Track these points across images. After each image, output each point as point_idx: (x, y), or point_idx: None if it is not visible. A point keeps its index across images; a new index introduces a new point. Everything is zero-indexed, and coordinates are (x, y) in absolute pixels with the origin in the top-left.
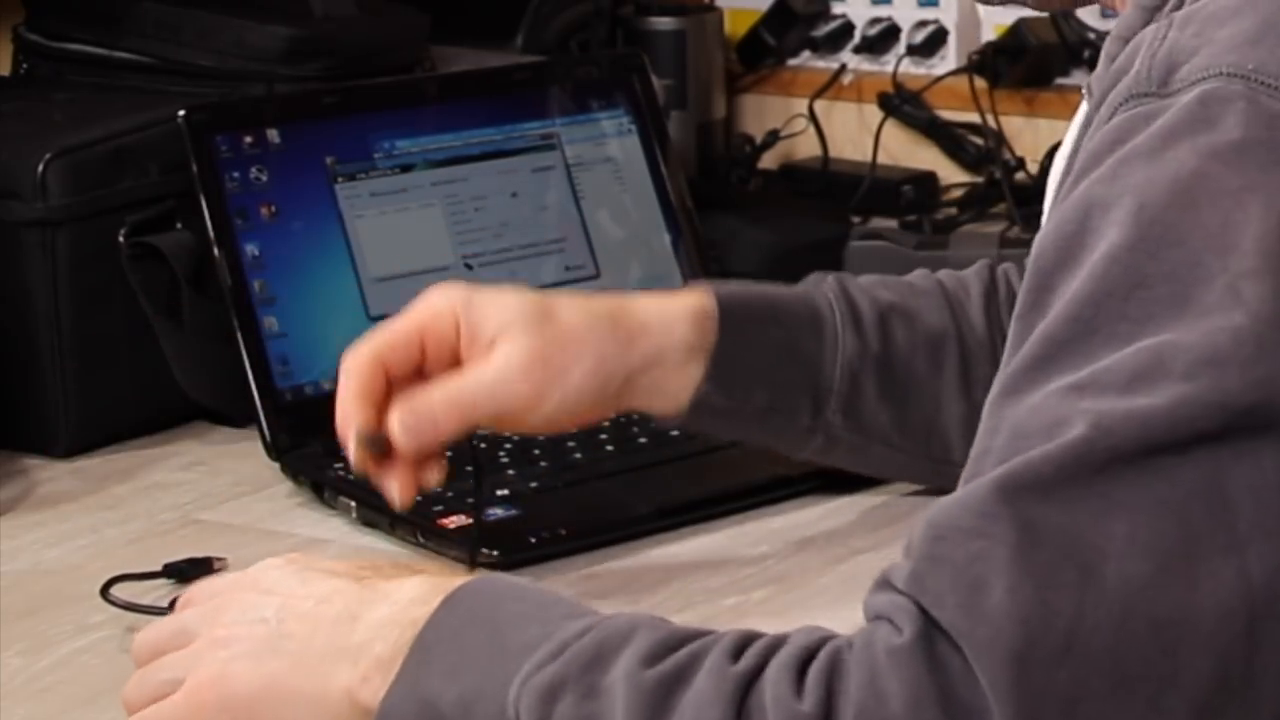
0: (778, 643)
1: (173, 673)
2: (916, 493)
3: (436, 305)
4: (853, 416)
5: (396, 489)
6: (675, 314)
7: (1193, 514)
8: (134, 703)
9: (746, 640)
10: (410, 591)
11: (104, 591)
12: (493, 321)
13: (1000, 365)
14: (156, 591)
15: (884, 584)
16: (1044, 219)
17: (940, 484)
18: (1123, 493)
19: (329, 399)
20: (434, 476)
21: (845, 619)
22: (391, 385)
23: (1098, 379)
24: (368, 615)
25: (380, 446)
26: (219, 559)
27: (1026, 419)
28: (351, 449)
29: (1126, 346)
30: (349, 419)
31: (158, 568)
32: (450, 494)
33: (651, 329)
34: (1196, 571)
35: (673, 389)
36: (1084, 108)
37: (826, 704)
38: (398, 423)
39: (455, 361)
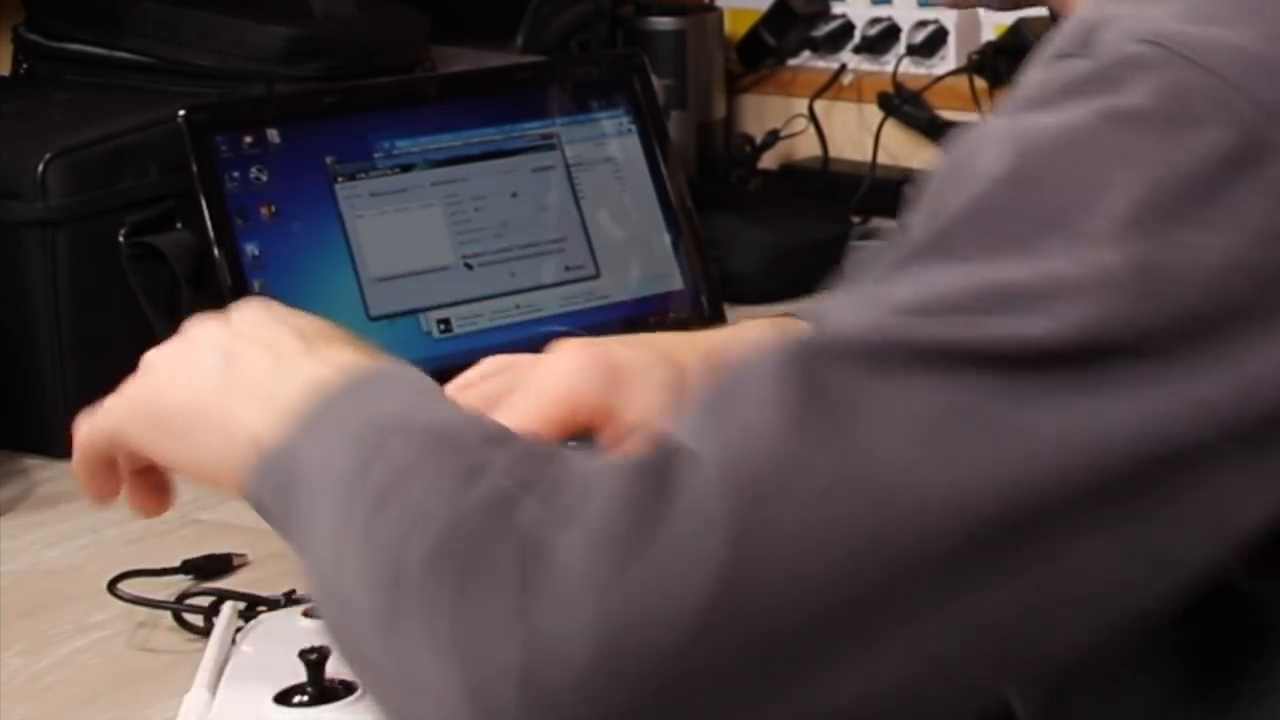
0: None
1: (119, 393)
2: None
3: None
4: None
5: None
6: (758, 335)
7: (955, 420)
8: (80, 426)
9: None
10: (348, 358)
11: (111, 586)
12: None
13: None
14: (169, 588)
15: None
16: None
17: None
18: (896, 387)
19: None
20: None
21: None
22: None
23: (925, 291)
24: (303, 366)
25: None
26: (239, 555)
27: (846, 300)
28: None
29: (959, 267)
30: None
31: (157, 568)
32: None
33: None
34: (959, 461)
35: None
36: None
37: (525, 481)
38: None
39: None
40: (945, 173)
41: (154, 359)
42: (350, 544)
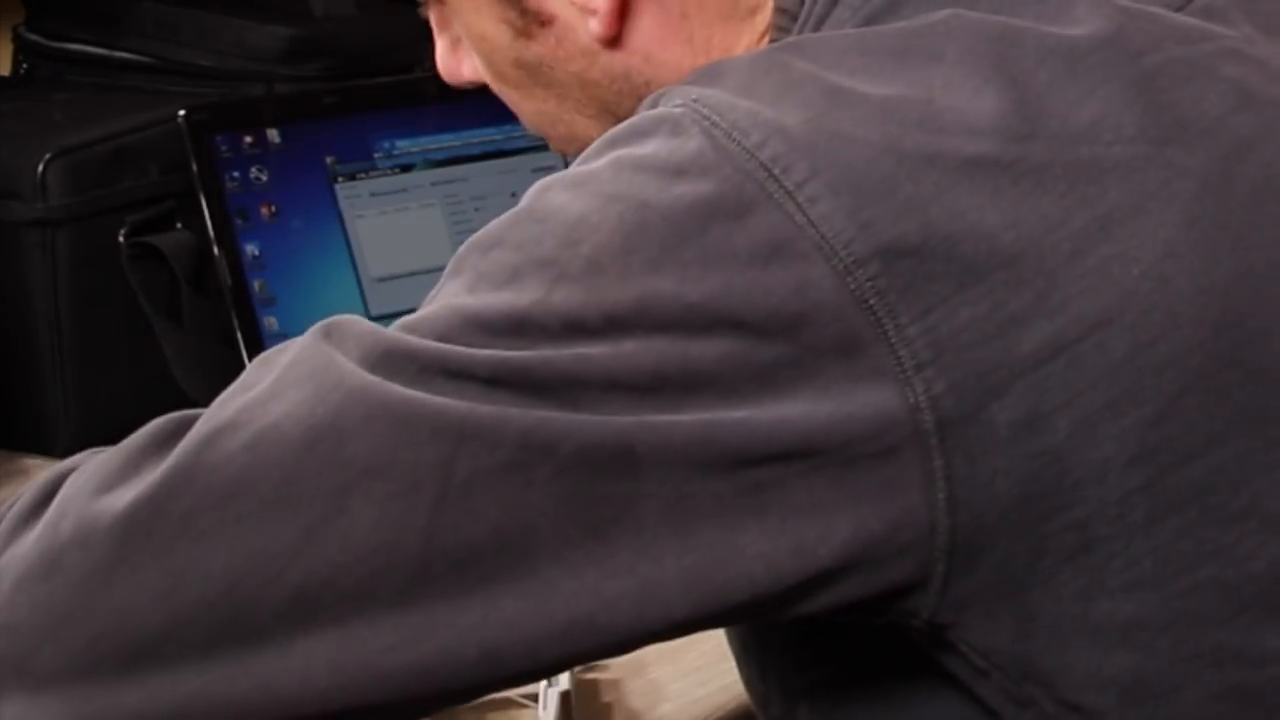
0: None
1: None
2: None
3: None
4: None
5: None
6: None
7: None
8: None
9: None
10: None
11: None
12: None
13: None
14: None
15: None
16: None
17: None
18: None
19: None
20: None
21: None
22: None
23: (424, 309)
24: None
25: None
26: None
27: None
28: None
29: (451, 287)
30: None
31: None
32: None
33: None
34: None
35: None
36: None
37: None
38: None
39: None
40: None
41: None
42: None
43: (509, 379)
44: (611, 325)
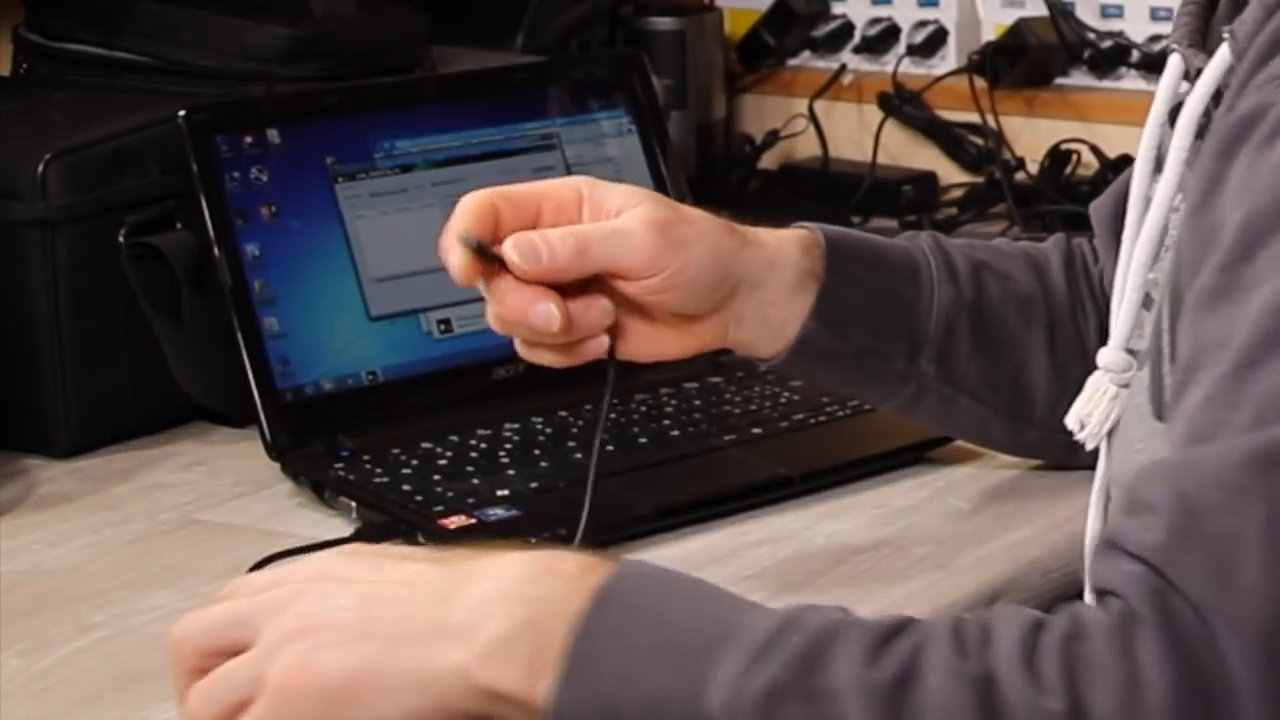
0: (990, 633)
1: (246, 674)
2: (911, 498)
3: (560, 180)
4: (945, 365)
5: (510, 304)
6: (786, 238)
7: None
8: (204, 716)
9: (960, 631)
10: (514, 570)
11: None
12: (618, 196)
13: (1188, 312)
14: None
15: (1115, 549)
16: (1174, 159)
17: (1015, 445)
18: None
19: (329, 399)
20: (548, 312)
21: None
22: (500, 230)
23: None
24: (466, 593)
25: (486, 252)
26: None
27: (1268, 392)
28: (453, 257)
29: None
30: (451, 230)
31: (158, 569)
32: (451, 494)
33: (765, 243)
34: None
35: (777, 320)
36: (1222, 52)
37: (1076, 698)
38: (510, 243)
39: None
40: (1270, 213)
41: (272, 642)
42: None
43: None
44: None
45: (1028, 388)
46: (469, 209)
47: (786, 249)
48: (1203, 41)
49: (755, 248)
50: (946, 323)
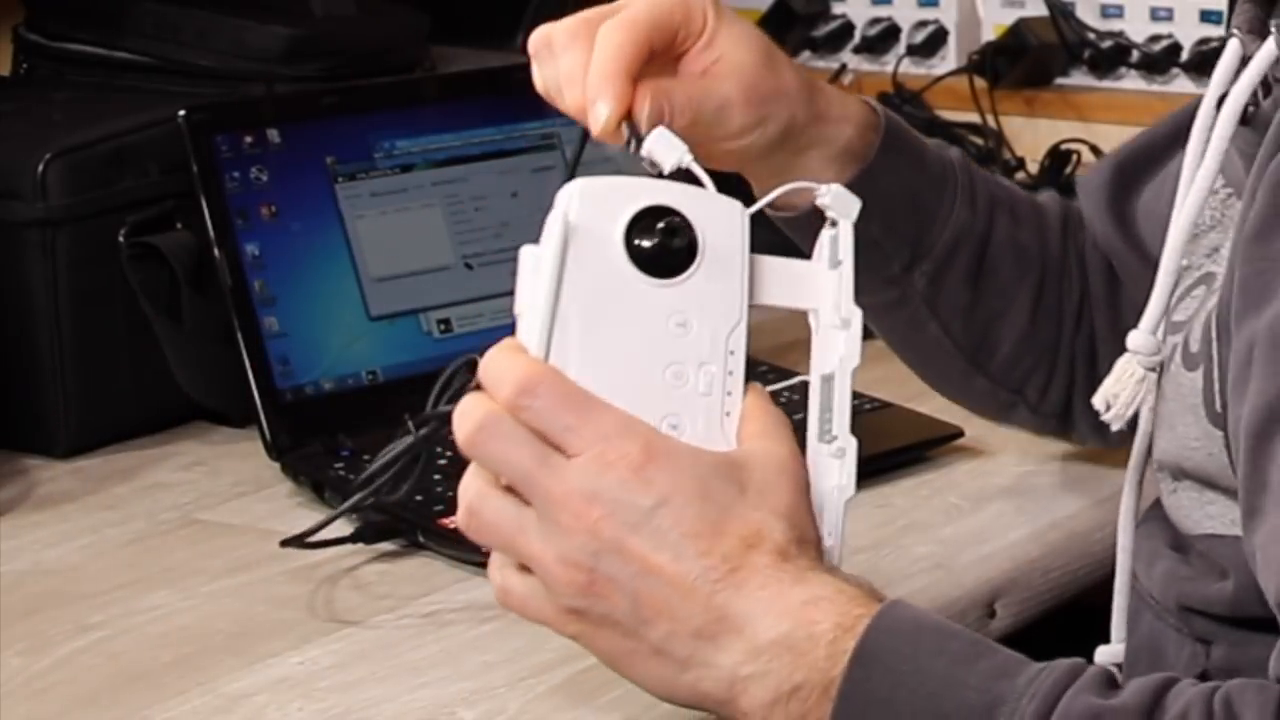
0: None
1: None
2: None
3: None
4: (934, 285)
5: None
6: (851, 116)
7: None
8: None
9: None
10: (771, 630)
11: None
12: (724, 44)
13: (1263, 348)
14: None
15: None
16: (1216, 145)
17: (959, 389)
18: None
19: (329, 399)
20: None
21: None
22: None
23: None
24: (723, 641)
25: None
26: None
27: None
28: (604, 120)
29: None
30: (613, 77)
31: (157, 569)
32: (451, 494)
33: (830, 118)
34: None
35: (815, 176)
36: (1269, 45)
37: None
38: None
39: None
40: None
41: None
42: None
43: None
44: None
45: (996, 338)
46: (633, 57)
47: (845, 129)
48: (1263, 29)
49: (820, 125)
50: (953, 244)
